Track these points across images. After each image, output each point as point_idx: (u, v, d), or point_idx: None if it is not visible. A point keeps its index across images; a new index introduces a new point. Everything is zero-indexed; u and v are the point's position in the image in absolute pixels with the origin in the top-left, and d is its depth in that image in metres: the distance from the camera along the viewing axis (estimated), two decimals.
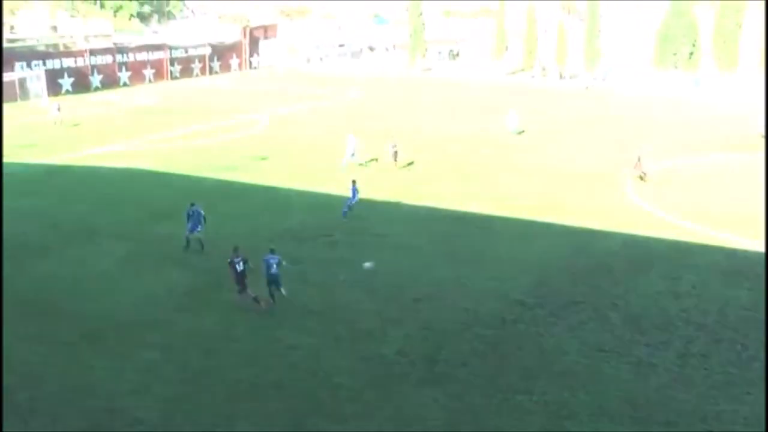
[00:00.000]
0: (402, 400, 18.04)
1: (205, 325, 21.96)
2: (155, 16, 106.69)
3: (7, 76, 61.67)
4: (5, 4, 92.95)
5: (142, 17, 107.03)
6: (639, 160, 37.65)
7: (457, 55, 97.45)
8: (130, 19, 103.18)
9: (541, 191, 35.57)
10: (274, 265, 22.79)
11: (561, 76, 79.94)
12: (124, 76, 74.50)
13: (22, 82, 63.58)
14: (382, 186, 36.24)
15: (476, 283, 24.82)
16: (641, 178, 37.31)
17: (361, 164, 39.55)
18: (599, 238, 29.37)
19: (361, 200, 32.33)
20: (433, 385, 18.63)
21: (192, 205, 27.73)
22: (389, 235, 29.60)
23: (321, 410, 17.66)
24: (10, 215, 32.14)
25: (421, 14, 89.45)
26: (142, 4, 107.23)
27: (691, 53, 73.04)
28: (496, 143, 45.91)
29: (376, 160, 40.57)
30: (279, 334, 21.38)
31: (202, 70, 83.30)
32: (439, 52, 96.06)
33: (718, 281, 24.94)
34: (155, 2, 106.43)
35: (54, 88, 65.00)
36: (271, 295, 22.93)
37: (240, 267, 22.50)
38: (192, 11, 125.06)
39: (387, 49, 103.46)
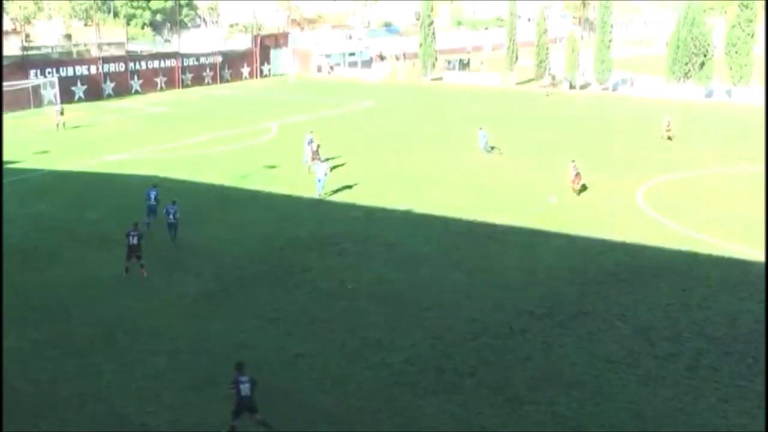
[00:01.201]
0: (410, 409, 18.01)
1: (213, 332, 22.01)
2: (167, 25, 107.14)
3: (21, 84, 62.28)
4: (21, 13, 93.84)
5: (155, 26, 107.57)
6: (669, 123, 49.26)
7: (468, 64, 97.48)
8: (142, 28, 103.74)
9: (550, 202, 35.43)
10: (172, 214, 28.83)
11: (571, 86, 79.85)
12: (136, 83, 74.92)
13: (36, 89, 64.16)
14: (390, 195, 36.27)
15: (485, 293, 24.78)
16: (669, 138, 48.45)
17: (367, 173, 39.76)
18: (609, 248, 29.27)
19: (369, 209, 32.44)
20: (441, 394, 18.59)
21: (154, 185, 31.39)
22: (398, 244, 29.59)
23: (328, 418, 17.67)
24: (23, 221, 32.37)
25: (431, 23, 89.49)
26: (154, 14, 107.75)
27: (703, 64, 72.76)
28: (504, 153, 45.79)
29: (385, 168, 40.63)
30: (287, 341, 21.40)
31: (214, 78, 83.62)
32: (449, 62, 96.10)
33: (730, 294, 24.74)
34: (167, 11, 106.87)
35: (67, 95, 65.39)
36: (172, 239, 28.89)
37: (134, 241, 25.86)
38: (204, 20, 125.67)
39: (397, 58, 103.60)
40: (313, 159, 39.77)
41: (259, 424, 16.81)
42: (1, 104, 53.90)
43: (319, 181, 35.77)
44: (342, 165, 42.28)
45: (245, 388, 16.70)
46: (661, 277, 26.10)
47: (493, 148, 45.92)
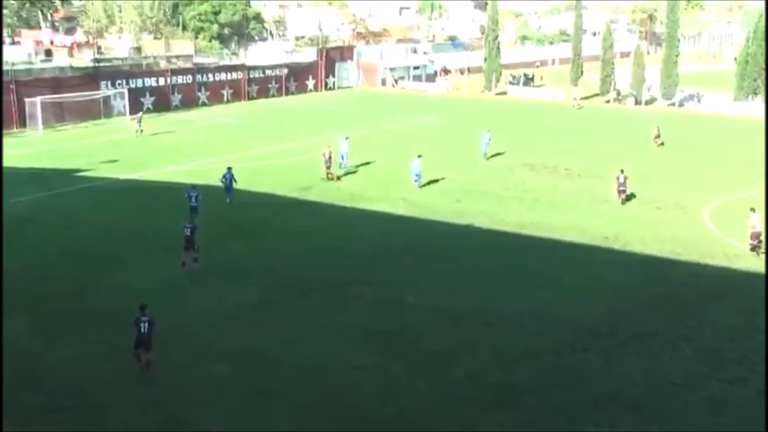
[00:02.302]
0: (469, 424, 17.97)
1: (272, 341, 22.24)
2: (235, 38, 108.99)
3: (92, 95, 64.05)
4: (94, 26, 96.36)
5: (222, 39, 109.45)
6: (658, 130, 53.01)
7: (532, 79, 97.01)
8: (210, 41, 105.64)
9: (614, 217, 35.05)
10: (194, 198, 31.78)
11: (637, 102, 78.88)
12: (202, 95, 76.24)
13: (106, 100, 65.85)
14: (450, 209, 36.27)
15: (547, 309, 24.59)
16: (661, 144, 52.42)
17: (422, 186, 39.85)
18: (673, 267, 28.84)
19: (429, 222, 32.56)
20: (501, 410, 18.51)
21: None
22: (458, 258, 29.57)
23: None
24: (90, 227, 33.23)
25: (496, 38, 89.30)
26: (222, 27, 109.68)
27: None
28: (568, 169, 45.45)
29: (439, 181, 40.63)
30: (346, 353, 21.51)
31: (279, 91, 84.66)
32: (513, 76, 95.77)
33: None
34: (235, 25, 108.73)
35: (136, 106, 66.97)
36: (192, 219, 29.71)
37: (188, 233, 27.67)
38: (270, 33, 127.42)
39: (462, 73, 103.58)
40: (326, 167, 41.82)
41: (146, 363, 19.89)
42: (1, 108, 55.38)
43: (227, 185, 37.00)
44: (401, 178, 42.43)
45: (144, 327, 19.85)
46: (726, 298, 25.62)
47: (488, 156, 47.79)
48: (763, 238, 29.86)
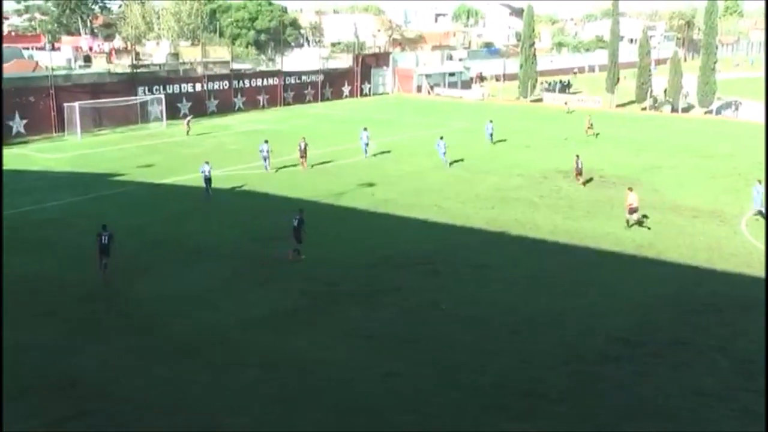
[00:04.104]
0: None
1: (304, 348, 22.28)
2: (271, 44, 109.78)
3: (130, 100, 64.94)
4: (133, 32, 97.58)
5: (259, 45, 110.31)
6: (589, 120, 60.66)
7: (568, 86, 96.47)
8: (247, 47, 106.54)
9: (649, 225, 34.68)
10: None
11: (674, 109, 78.09)
12: (239, 101, 76.91)
13: (144, 105, 66.65)
14: (481, 216, 36.17)
15: (577, 318, 24.39)
16: (596, 135, 59.82)
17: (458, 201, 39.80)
18: (708, 277, 28.45)
19: (460, 229, 32.57)
20: (529, 419, 18.37)
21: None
22: (489, 266, 29.45)
23: None
24: (123, 231, 33.43)
25: (532, 45, 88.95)
26: (259, 33, 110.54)
27: None
28: (603, 177, 45.11)
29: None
30: (376, 360, 21.50)
31: (314, 97, 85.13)
32: (549, 83, 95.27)
33: None
34: (271, 31, 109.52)
35: (173, 111, 67.69)
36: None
37: (295, 223, 29.46)
38: (307, 39, 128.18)
39: (497, 80, 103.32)
40: (300, 156, 46.82)
41: (104, 265, 26.78)
42: (1, 110, 56.12)
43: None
44: (435, 185, 42.44)
45: (104, 238, 26.71)
46: (761, 308, 25.18)
47: (495, 142, 56.73)
48: (639, 213, 34.63)
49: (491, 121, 58.07)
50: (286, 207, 37.50)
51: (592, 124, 61.19)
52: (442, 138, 48.60)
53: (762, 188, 35.97)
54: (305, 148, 46.88)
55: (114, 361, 21.24)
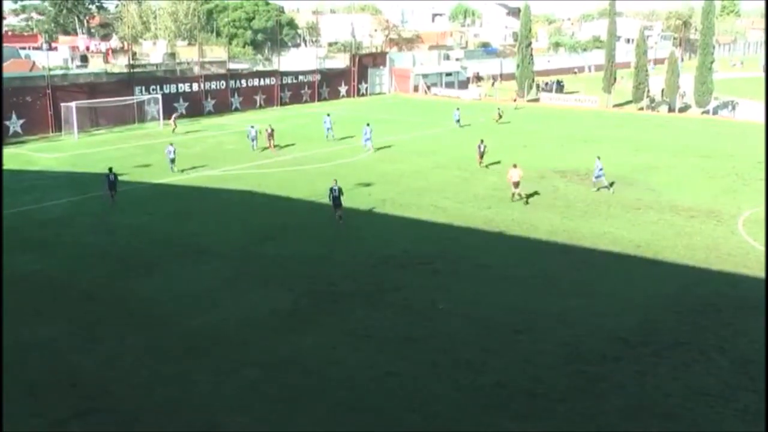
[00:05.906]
0: None
1: (305, 347, 22.29)
2: (268, 44, 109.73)
3: (127, 100, 64.92)
4: (129, 32, 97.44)
5: (256, 45, 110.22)
6: (499, 110, 67.62)
7: (565, 86, 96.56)
8: (244, 47, 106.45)
9: (647, 225, 34.76)
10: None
11: (670, 109, 78.22)
12: (236, 101, 76.90)
13: (140, 105, 66.66)
14: (482, 216, 36.20)
15: (578, 318, 24.43)
16: (499, 119, 68.25)
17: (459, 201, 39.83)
18: (708, 277, 28.51)
19: (461, 229, 32.48)
20: (531, 419, 18.39)
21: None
22: (490, 266, 29.48)
23: None
24: (124, 231, 33.58)
25: (529, 45, 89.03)
26: (256, 33, 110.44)
27: None
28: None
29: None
30: (378, 359, 21.52)
31: (311, 97, 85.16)
32: (546, 83, 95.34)
33: None
34: (268, 31, 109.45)
35: (169, 111, 67.65)
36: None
37: (335, 193, 33.87)
38: (304, 39, 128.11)
39: (494, 79, 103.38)
40: (268, 141, 53.19)
41: (112, 196, 37.34)
42: (1, 110, 56.11)
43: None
44: (433, 185, 42.46)
45: (111, 177, 37.43)
46: (761, 308, 25.24)
47: (462, 126, 64.76)
48: (520, 187, 38.73)
49: (458, 109, 68.84)
50: (286, 207, 37.63)
51: (501, 116, 69.54)
52: (328, 115, 59.05)
53: None
54: (272, 132, 53.75)
55: (115, 361, 21.24)
